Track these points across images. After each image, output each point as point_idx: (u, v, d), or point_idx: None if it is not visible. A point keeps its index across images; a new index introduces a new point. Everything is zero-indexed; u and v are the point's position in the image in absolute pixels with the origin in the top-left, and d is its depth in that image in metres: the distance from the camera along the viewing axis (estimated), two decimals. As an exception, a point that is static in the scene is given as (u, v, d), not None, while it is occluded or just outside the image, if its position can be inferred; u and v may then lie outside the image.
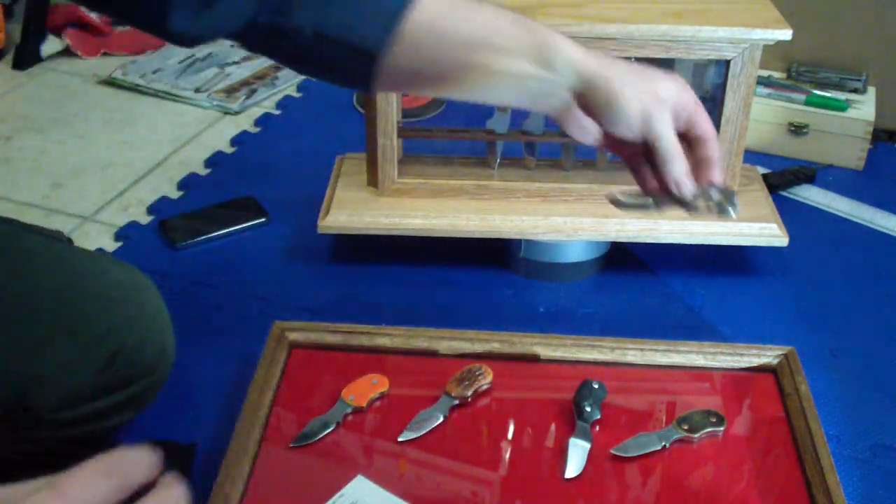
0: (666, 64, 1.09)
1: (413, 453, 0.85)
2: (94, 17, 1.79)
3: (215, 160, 1.41)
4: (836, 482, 0.79)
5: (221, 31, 0.66)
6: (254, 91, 1.63)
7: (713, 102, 1.08)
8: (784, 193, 1.35)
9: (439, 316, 1.05)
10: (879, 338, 1.07)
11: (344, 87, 1.00)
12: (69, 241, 1.03)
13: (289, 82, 1.66)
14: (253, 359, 0.92)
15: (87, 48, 1.76)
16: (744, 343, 0.97)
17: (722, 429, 0.87)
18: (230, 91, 1.63)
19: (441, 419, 0.88)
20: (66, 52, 1.76)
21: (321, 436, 0.85)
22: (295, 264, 1.17)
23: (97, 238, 1.22)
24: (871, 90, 1.47)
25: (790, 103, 1.43)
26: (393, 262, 1.16)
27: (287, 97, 1.62)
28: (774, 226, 1.11)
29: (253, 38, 0.68)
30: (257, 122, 1.53)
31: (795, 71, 1.50)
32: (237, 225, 1.23)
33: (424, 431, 0.87)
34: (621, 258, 1.17)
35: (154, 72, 1.68)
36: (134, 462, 0.42)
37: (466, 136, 1.19)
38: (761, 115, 1.42)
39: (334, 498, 0.79)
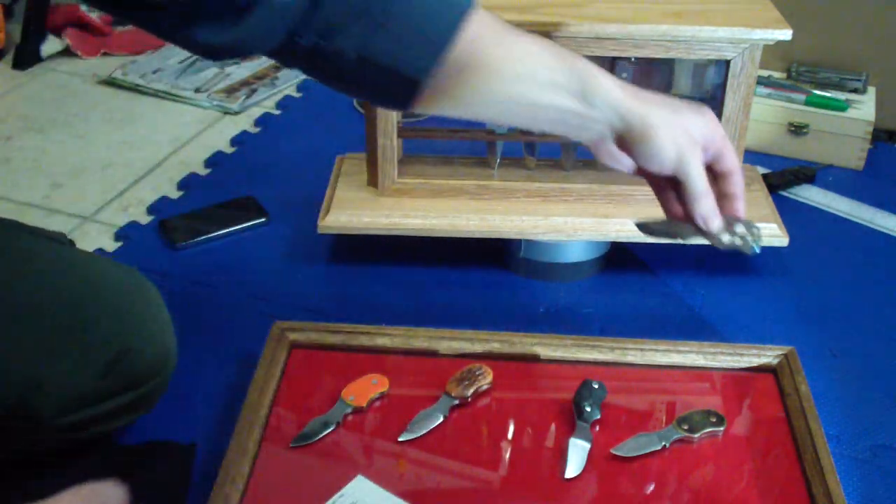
0: (666, 64, 1.09)
1: (413, 453, 0.85)
2: (94, 17, 1.79)
3: (215, 160, 1.41)
4: (836, 482, 0.79)
5: (253, 47, 0.65)
6: (254, 91, 1.63)
7: (713, 102, 1.08)
8: (784, 193, 1.34)
9: (439, 316, 1.05)
10: (879, 338, 1.07)
11: (381, 107, 1.00)
12: (71, 243, 1.02)
13: (289, 82, 1.66)
14: (253, 359, 0.92)
15: (87, 48, 1.76)
16: (744, 343, 0.97)
17: (722, 429, 0.87)
18: (230, 91, 1.63)
19: (441, 419, 0.88)
20: (66, 52, 1.76)
21: (321, 436, 0.85)
22: (295, 264, 1.17)
23: (97, 238, 1.22)
24: (871, 90, 1.47)
25: (790, 103, 1.43)
26: (393, 262, 1.16)
27: (287, 97, 1.62)
28: (774, 226, 1.11)
29: (290, 57, 0.67)
30: (257, 122, 1.53)
31: (795, 71, 1.50)
32: (237, 225, 1.22)
33: (424, 431, 0.86)
34: (621, 258, 1.17)
35: (154, 72, 1.68)
36: (107, 496, 0.42)
37: (466, 136, 1.19)
38: (761, 115, 1.42)
39: (334, 498, 0.79)
